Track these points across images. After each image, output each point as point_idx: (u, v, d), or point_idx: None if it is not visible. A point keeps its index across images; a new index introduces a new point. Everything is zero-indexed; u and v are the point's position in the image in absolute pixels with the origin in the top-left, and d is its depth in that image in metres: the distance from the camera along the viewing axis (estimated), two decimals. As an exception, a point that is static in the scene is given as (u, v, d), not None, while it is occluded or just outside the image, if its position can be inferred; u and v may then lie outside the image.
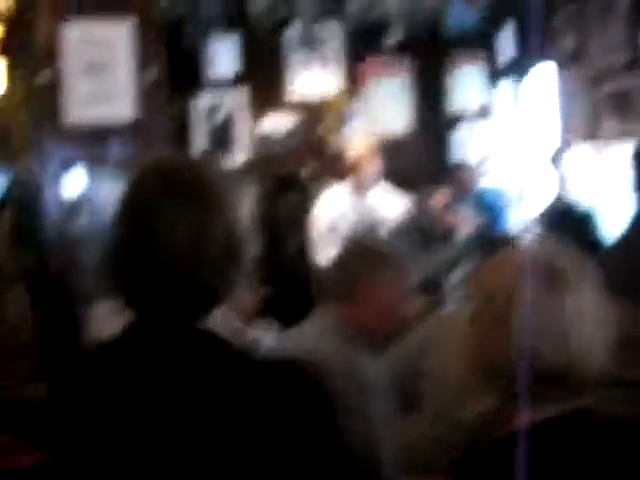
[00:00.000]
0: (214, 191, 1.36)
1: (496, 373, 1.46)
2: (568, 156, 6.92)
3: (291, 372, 1.34)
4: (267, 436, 1.26)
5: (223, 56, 7.26)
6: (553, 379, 1.42)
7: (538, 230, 3.57)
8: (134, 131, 2.73)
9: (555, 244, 1.64)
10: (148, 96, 2.73)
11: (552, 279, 1.46)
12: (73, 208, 2.67)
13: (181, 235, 1.30)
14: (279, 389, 1.30)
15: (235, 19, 6.73)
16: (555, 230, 3.51)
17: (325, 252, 6.41)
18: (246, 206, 1.42)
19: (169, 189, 1.33)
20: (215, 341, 1.34)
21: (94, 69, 2.57)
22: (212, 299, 1.36)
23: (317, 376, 1.35)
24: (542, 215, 3.71)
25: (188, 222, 1.30)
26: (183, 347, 1.32)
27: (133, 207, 1.37)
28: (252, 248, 1.40)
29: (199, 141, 7.17)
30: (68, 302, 2.63)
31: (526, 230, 7.09)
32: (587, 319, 1.45)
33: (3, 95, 4.14)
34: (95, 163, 2.67)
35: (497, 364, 1.45)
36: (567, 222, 3.39)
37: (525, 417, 1.44)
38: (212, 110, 7.29)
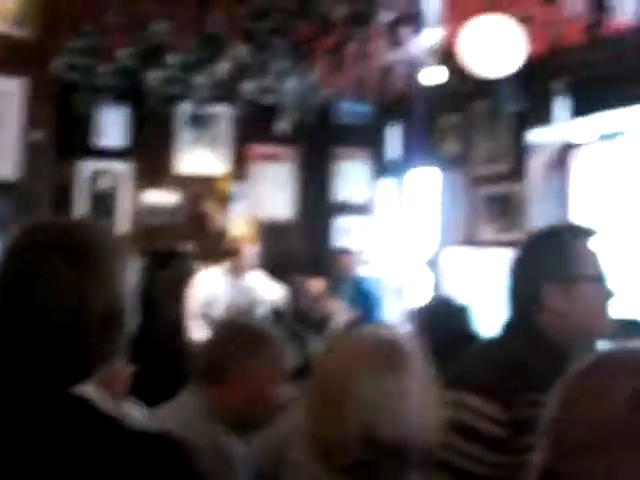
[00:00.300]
0: (99, 255, 1.32)
1: (330, 454, 1.58)
2: (445, 256, 7.15)
3: (162, 442, 1.31)
4: None
5: (112, 126, 7.26)
6: (391, 455, 1.52)
7: (414, 322, 3.64)
8: (14, 191, 2.69)
9: (394, 331, 1.77)
10: (32, 156, 2.70)
11: (392, 363, 1.60)
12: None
13: (55, 300, 1.26)
14: (150, 458, 1.26)
15: (128, 92, 6.74)
16: (432, 322, 3.58)
17: (199, 330, 6.39)
18: (132, 275, 1.39)
19: (46, 251, 1.30)
20: (87, 408, 1.29)
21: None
22: (86, 368, 1.31)
23: (187, 448, 1.31)
24: (420, 308, 3.79)
25: (65, 286, 1.27)
26: (53, 411, 1.26)
27: (7, 269, 1.33)
28: (132, 320, 1.36)
29: (81, 206, 7.05)
30: None
31: (402, 321, 7.25)
32: (424, 401, 1.58)
33: None
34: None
35: (342, 447, 1.55)
36: (443, 315, 3.45)
37: None
38: (96, 177, 7.22)
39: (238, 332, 2.56)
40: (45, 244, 1.32)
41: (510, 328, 2.15)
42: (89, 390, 1.34)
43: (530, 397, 1.81)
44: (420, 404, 1.60)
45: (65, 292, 1.26)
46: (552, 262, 2.08)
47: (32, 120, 2.65)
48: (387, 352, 1.65)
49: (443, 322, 3.61)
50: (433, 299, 4.63)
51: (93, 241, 1.34)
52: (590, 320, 2.08)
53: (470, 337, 3.49)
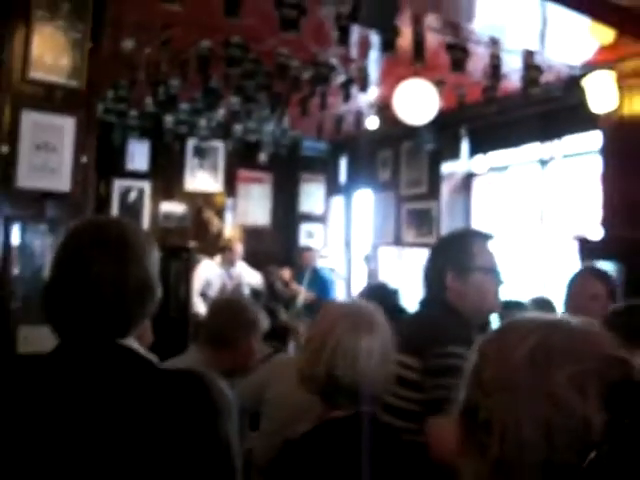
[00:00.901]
0: (134, 243, 1.31)
1: (314, 385, 1.64)
2: (378, 254, 7.18)
3: (189, 374, 1.31)
4: (169, 426, 1.20)
5: (138, 155, 7.18)
6: (347, 390, 1.59)
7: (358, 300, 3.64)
8: (66, 199, 2.65)
9: (362, 302, 1.79)
10: (81, 174, 2.66)
11: (357, 324, 1.64)
12: (13, 253, 2.53)
13: (105, 275, 1.25)
14: (181, 386, 1.26)
15: (150, 130, 6.68)
16: (370, 300, 3.57)
17: (200, 305, 6.34)
18: (157, 260, 1.37)
19: (96, 240, 1.28)
20: (131, 353, 1.28)
21: (44, 148, 2.49)
22: (127, 326, 1.29)
23: (207, 378, 1.31)
24: (362, 291, 3.79)
25: (112, 265, 1.26)
26: (105, 357, 1.25)
27: (67, 253, 1.30)
28: (159, 290, 1.35)
29: (116, 213, 7.00)
30: (6, 325, 2.47)
31: (347, 299, 7.26)
32: (376, 354, 1.61)
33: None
34: (34, 220, 2.55)
35: (313, 379, 1.63)
36: (379, 295, 3.45)
37: (330, 415, 1.61)
38: (126, 192, 7.15)
39: (236, 312, 2.51)
40: (95, 233, 1.31)
41: (426, 303, 2.18)
42: (130, 341, 1.31)
43: (439, 350, 1.86)
44: (376, 359, 1.62)
45: (110, 268, 1.25)
46: (454, 255, 2.12)
47: (80, 148, 2.60)
48: (360, 317, 1.67)
49: (380, 300, 3.61)
50: (372, 284, 4.62)
51: (129, 232, 1.33)
52: (481, 300, 2.10)
53: (400, 311, 3.49)
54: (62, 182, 2.56)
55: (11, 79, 2.47)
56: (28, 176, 2.49)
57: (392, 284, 3.99)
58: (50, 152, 2.51)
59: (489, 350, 0.85)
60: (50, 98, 2.54)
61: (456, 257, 2.11)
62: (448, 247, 2.19)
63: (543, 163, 5.58)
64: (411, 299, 3.35)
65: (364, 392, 1.57)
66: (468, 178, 6.42)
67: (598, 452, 0.71)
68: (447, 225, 6.33)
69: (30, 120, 2.48)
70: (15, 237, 2.52)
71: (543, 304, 4.51)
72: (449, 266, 2.09)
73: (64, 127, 2.53)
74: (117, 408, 1.20)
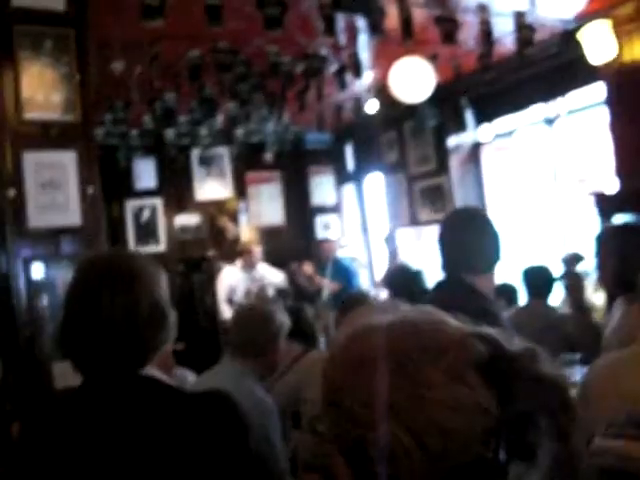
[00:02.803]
0: (140, 273, 1.32)
1: None
2: (396, 236, 7.14)
3: (212, 398, 1.32)
4: (203, 450, 1.21)
5: (145, 173, 7.19)
6: None
7: (383, 284, 3.61)
8: (79, 233, 2.65)
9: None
10: (89, 206, 2.66)
11: None
12: (36, 291, 2.55)
13: (116, 310, 1.26)
14: (204, 411, 1.27)
15: (152, 147, 6.70)
16: (394, 285, 3.55)
17: (227, 312, 6.37)
18: (165, 284, 1.38)
19: (104, 274, 1.30)
20: (152, 382, 1.30)
21: (49, 185, 2.49)
22: (144, 356, 1.30)
23: (231, 400, 1.32)
24: (384, 276, 3.77)
25: (121, 300, 1.27)
26: (129, 390, 1.27)
27: (78, 290, 1.32)
28: (172, 315, 1.36)
29: (131, 233, 7.06)
30: (35, 362, 2.50)
31: (373, 287, 7.25)
32: None
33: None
34: (51, 257, 2.57)
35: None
36: (402, 278, 3.43)
37: None
38: (139, 211, 7.18)
39: (259, 321, 2.49)
40: (104, 268, 1.33)
41: (444, 284, 2.16)
42: (150, 369, 1.33)
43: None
44: None
45: (121, 301, 1.27)
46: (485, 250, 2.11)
47: (85, 180, 2.60)
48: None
49: (403, 284, 3.59)
50: (396, 266, 4.59)
51: (136, 263, 1.35)
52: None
53: (423, 291, 3.47)
54: (73, 216, 2.57)
55: (6, 122, 2.48)
56: (39, 215, 2.50)
57: (413, 265, 3.97)
58: (56, 189, 2.52)
59: (342, 377, 0.76)
60: (47, 135, 2.54)
61: (482, 246, 2.10)
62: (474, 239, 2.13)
63: (549, 122, 5.51)
64: (433, 278, 3.32)
65: None
66: (476, 148, 6.36)
67: (497, 436, 0.68)
68: (460, 198, 6.28)
69: (32, 160, 2.49)
70: (37, 275, 2.54)
71: (574, 259, 4.45)
72: (485, 262, 2.09)
73: (66, 162, 2.54)
74: (148, 438, 1.21)
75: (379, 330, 0.77)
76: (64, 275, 2.61)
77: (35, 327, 2.51)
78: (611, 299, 2.68)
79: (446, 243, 2.15)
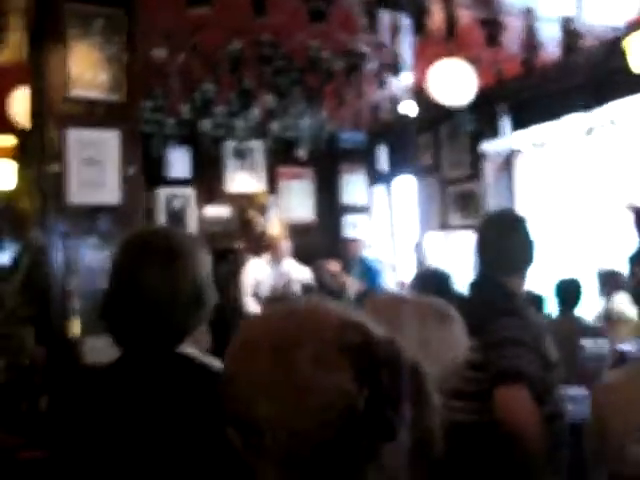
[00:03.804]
0: (182, 252, 1.32)
1: None
2: (426, 239, 7.12)
3: None
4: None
5: (179, 162, 7.26)
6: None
7: (412, 286, 3.59)
8: (118, 212, 2.69)
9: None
10: (129, 186, 2.70)
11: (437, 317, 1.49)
12: (71, 267, 2.59)
13: (158, 286, 1.27)
14: None
15: (188, 137, 6.76)
16: (425, 287, 3.54)
17: (252, 305, 6.38)
18: (208, 264, 1.39)
19: (146, 251, 1.31)
20: (187, 359, 1.31)
21: (90, 163, 2.53)
22: (182, 334, 1.32)
23: None
24: (415, 278, 3.76)
25: (163, 276, 1.27)
26: (164, 366, 1.28)
27: (119, 267, 1.33)
28: (212, 296, 1.36)
29: (161, 222, 7.10)
30: (66, 337, 2.53)
31: (397, 288, 7.22)
32: (449, 347, 1.47)
33: (16, 187, 4.09)
34: (88, 234, 2.60)
35: None
36: (434, 281, 3.43)
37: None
38: (170, 200, 7.25)
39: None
40: (147, 244, 1.33)
41: (480, 285, 2.19)
42: (186, 346, 1.34)
43: (492, 326, 1.88)
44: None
45: (161, 279, 1.27)
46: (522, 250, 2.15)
47: (126, 160, 2.64)
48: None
49: (435, 287, 3.57)
50: (424, 270, 4.58)
51: (177, 240, 1.35)
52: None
53: (454, 296, 3.44)
54: (111, 195, 2.60)
55: (53, 99, 2.52)
56: (78, 192, 2.53)
57: (444, 269, 3.94)
58: (97, 167, 2.55)
59: (230, 360, 0.83)
60: (92, 114, 2.58)
61: (517, 248, 2.14)
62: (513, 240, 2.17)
63: (589, 132, 5.44)
64: (462, 282, 3.30)
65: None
66: (511, 155, 6.31)
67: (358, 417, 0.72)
68: (492, 205, 6.24)
69: (75, 137, 2.53)
70: (73, 251, 2.57)
71: (612, 276, 4.41)
72: (513, 256, 2.12)
73: (109, 141, 2.57)
74: (180, 416, 1.22)
75: (263, 317, 0.86)
76: (98, 254, 2.65)
77: (69, 302, 2.55)
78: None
79: (481, 243, 2.21)
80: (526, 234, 2.16)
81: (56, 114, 2.53)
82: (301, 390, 0.74)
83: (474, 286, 2.22)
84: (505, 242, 2.14)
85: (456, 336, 1.52)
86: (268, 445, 0.76)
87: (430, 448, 0.79)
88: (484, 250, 2.19)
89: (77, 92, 2.55)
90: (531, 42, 4.24)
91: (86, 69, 2.56)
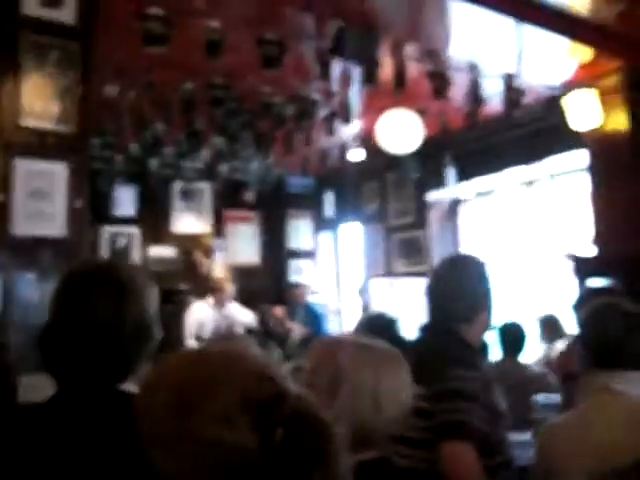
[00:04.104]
0: (131, 285, 1.30)
1: None
2: (371, 285, 7.17)
3: None
4: None
5: (125, 200, 7.18)
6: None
7: (357, 330, 3.57)
8: (63, 245, 2.63)
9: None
10: (75, 219, 2.65)
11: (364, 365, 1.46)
12: (11, 300, 2.51)
13: (102, 318, 1.23)
14: None
15: (135, 175, 6.70)
16: (371, 331, 3.50)
17: (194, 346, 6.27)
18: (155, 299, 1.36)
19: (94, 282, 1.27)
20: (129, 398, 1.26)
21: (37, 194, 2.48)
22: (126, 370, 1.28)
23: None
24: (360, 321, 3.74)
25: (108, 308, 1.24)
26: (104, 404, 1.22)
27: (63, 297, 1.29)
28: (158, 329, 1.34)
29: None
30: (5, 375, 2.44)
31: (342, 333, 7.21)
32: (397, 395, 1.45)
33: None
34: (31, 267, 2.54)
35: None
36: (379, 325, 3.40)
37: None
38: (114, 238, 7.13)
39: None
40: (91, 275, 1.30)
41: (430, 330, 2.10)
42: (130, 385, 1.29)
43: (441, 375, 1.84)
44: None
45: (107, 310, 1.24)
46: (472, 292, 2.07)
47: (74, 193, 2.60)
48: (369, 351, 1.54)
49: (380, 330, 3.55)
50: (370, 314, 4.58)
51: (125, 275, 1.32)
52: (485, 327, 2.11)
53: (401, 341, 3.44)
54: (57, 228, 2.55)
55: (2, 127, 2.48)
56: (23, 223, 2.48)
57: (390, 313, 3.96)
58: (44, 199, 2.51)
59: (144, 395, 0.82)
60: (42, 145, 2.54)
61: (473, 294, 2.06)
62: (461, 282, 2.08)
63: (529, 184, 5.64)
64: (408, 328, 3.30)
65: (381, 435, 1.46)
66: (455, 204, 6.48)
67: (254, 472, 0.71)
68: (437, 253, 6.35)
69: (23, 167, 2.48)
70: (12, 285, 2.49)
71: (551, 322, 4.52)
72: (468, 302, 2.03)
73: (57, 173, 2.53)
74: (117, 456, 1.15)
75: (176, 360, 0.82)
76: (38, 289, 2.57)
77: (5, 341, 2.46)
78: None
79: (435, 287, 2.11)
80: (484, 279, 2.09)
81: (5, 142, 2.49)
82: (198, 445, 0.72)
83: (425, 331, 2.13)
84: (461, 287, 2.05)
85: (403, 380, 1.50)
86: None
87: None
88: (437, 294, 2.09)
89: (28, 122, 2.51)
90: (475, 96, 4.41)
91: (38, 99, 2.53)
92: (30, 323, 2.51)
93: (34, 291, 2.56)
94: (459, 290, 2.04)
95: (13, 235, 2.45)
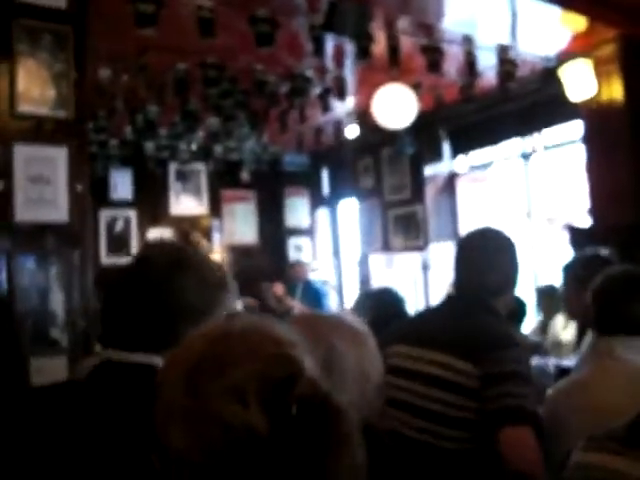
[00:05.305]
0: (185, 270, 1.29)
1: None
2: (368, 261, 7.20)
3: None
4: None
5: (122, 184, 7.17)
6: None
7: (358, 306, 3.55)
8: (65, 229, 2.65)
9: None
10: (77, 204, 2.66)
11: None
12: (17, 285, 2.53)
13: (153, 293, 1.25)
14: None
15: (131, 158, 6.69)
16: (375, 304, 3.49)
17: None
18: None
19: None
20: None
21: (38, 180, 2.49)
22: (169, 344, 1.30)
23: None
24: (363, 295, 3.73)
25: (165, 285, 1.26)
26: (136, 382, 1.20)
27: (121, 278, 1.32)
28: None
29: (103, 243, 7.00)
30: (13, 356, 2.47)
31: (341, 309, 7.26)
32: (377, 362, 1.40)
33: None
34: (35, 252, 2.55)
35: None
36: (384, 298, 3.34)
37: None
38: (112, 222, 7.14)
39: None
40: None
41: (465, 305, 1.97)
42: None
43: (499, 356, 1.75)
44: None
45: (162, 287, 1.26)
46: (510, 266, 2.05)
47: (74, 177, 2.61)
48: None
49: (384, 303, 3.52)
50: (368, 290, 4.59)
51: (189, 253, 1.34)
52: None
53: (401, 314, 3.43)
54: (60, 213, 2.56)
55: (-1, 115, 2.48)
56: (25, 210, 2.49)
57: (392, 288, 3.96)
58: (45, 184, 2.51)
59: (163, 373, 0.81)
60: (40, 130, 2.54)
61: (506, 268, 2.01)
62: (502, 256, 2.03)
63: (525, 157, 5.65)
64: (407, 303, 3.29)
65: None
66: (451, 179, 6.48)
67: (263, 454, 0.70)
68: (434, 228, 6.38)
69: (22, 154, 2.49)
70: (18, 271, 2.51)
71: (549, 291, 4.56)
72: (501, 276, 1.98)
73: (57, 158, 2.54)
74: (135, 433, 1.13)
75: (197, 337, 0.81)
76: (46, 273, 2.59)
77: (15, 325, 2.48)
78: (581, 333, 2.74)
79: (468, 260, 2.04)
80: (515, 256, 2.05)
81: (2, 129, 2.49)
82: (208, 422, 0.71)
83: (455, 304, 2.02)
84: (496, 259, 1.99)
85: (372, 355, 1.42)
86: (176, 476, 0.73)
87: None
88: (470, 265, 2.02)
89: (24, 108, 2.51)
90: (470, 69, 4.40)
91: (34, 85, 2.53)
92: (39, 308, 2.54)
93: (41, 275, 2.58)
94: (494, 263, 1.99)
95: (15, 221, 2.46)
